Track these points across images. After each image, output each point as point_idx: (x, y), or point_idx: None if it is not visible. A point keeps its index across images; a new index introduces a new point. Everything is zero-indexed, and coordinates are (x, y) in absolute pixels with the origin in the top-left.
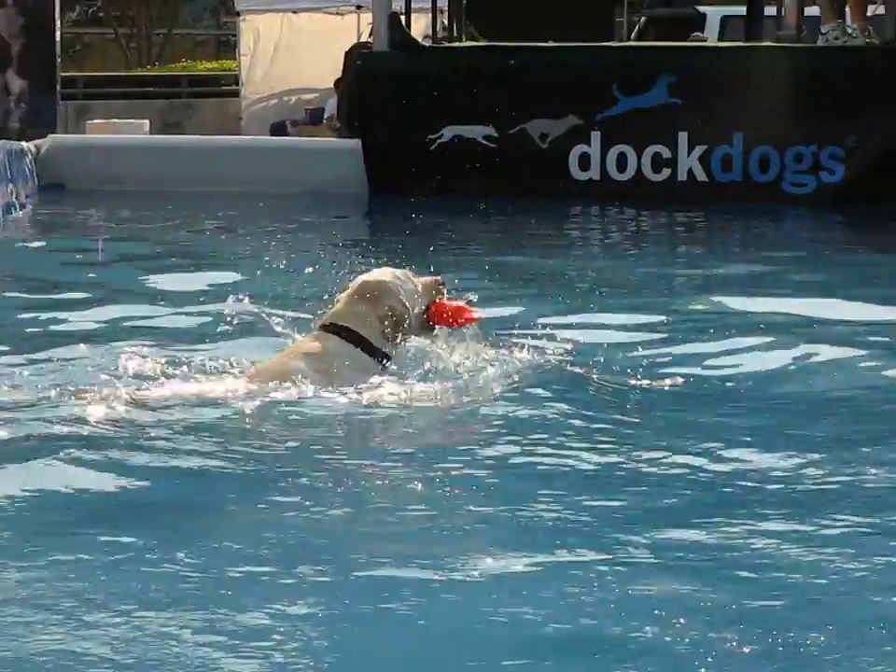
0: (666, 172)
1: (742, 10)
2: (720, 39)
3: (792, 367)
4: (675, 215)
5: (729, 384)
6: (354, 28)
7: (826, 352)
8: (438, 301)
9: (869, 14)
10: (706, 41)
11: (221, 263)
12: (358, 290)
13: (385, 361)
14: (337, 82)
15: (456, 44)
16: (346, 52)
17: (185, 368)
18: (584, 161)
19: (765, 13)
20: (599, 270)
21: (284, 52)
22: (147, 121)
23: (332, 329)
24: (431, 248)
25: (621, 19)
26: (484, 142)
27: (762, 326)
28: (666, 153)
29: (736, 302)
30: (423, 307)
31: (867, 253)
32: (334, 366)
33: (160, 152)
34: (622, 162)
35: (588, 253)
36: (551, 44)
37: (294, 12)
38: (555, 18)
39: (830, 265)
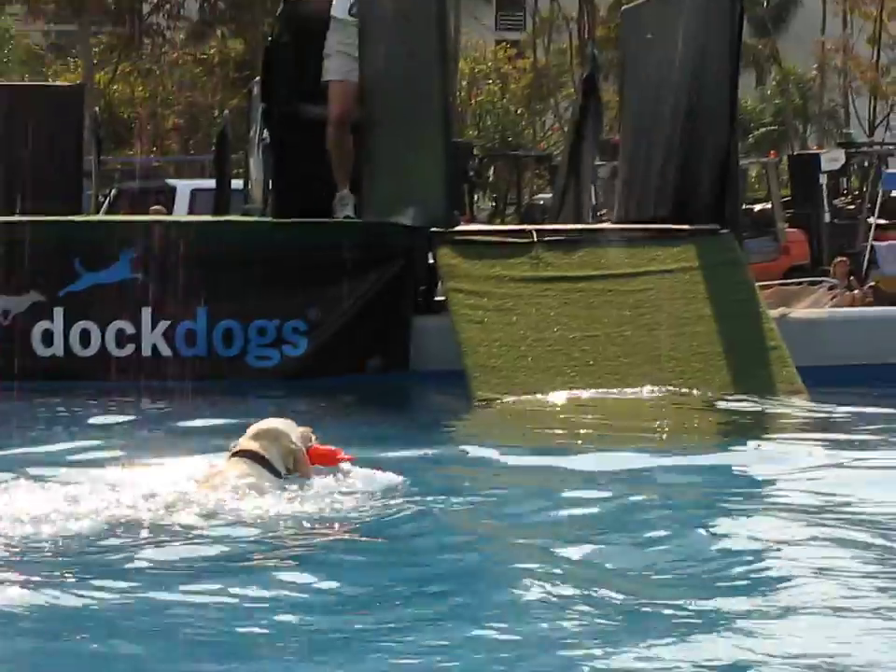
0: (130, 347)
1: (211, 184)
2: (190, 212)
3: None
4: (143, 390)
5: None
6: None
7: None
8: (313, 446)
9: None
10: (166, 213)
11: None
12: (256, 433)
13: (284, 476)
14: None
15: None
16: None
17: None
18: (47, 338)
19: (234, 187)
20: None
21: None
22: None
23: (241, 454)
24: None
25: (90, 192)
26: None
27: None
28: (130, 328)
29: None
30: (303, 449)
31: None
32: (250, 477)
33: None
34: (85, 338)
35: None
36: (11, 218)
37: None
38: (22, 190)
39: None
